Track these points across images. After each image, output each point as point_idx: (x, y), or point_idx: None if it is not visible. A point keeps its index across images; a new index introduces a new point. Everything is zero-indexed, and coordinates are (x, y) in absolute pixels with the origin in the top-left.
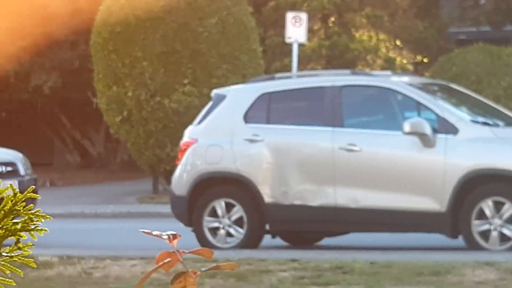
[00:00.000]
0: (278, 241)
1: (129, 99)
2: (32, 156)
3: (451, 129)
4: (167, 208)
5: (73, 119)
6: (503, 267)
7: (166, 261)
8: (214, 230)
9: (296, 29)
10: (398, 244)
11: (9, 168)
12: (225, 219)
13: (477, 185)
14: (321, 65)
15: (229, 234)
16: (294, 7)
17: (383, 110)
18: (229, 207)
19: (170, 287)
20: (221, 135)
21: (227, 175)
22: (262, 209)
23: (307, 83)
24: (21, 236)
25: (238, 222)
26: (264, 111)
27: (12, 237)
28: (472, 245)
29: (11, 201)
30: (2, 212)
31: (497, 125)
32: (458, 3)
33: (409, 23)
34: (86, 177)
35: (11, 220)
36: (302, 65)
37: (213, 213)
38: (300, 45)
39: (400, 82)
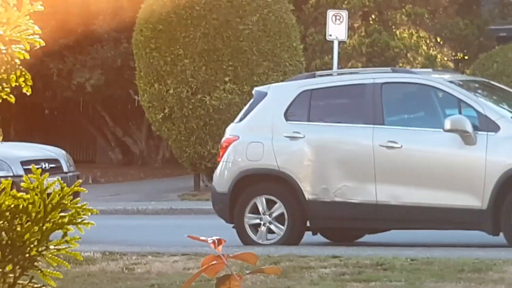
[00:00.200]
0: (319, 237)
1: (171, 97)
2: (75, 153)
3: (492, 127)
4: (208, 205)
5: (115, 116)
6: None
7: (211, 264)
8: (255, 227)
9: (337, 26)
10: (439, 241)
11: (52, 165)
12: (266, 215)
13: None
14: (361, 62)
15: (270, 231)
16: (334, 5)
17: (424, 107)
18: (270, 203)
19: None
20: (262, 132)
21: (268, 172)
22: (303, 205)
23: (348, 80)
24: (68, 230)
25: (279, 219)
26: (304, 108)
27: (60, 230)
28: None
29: (58, 195)
30: (50, 205)
31: None
32: (499, 0)
33: (450, 21)
34: (128, 174)
35: (58, 213)
36: (342, 63)
37: (254, 210)
38: (341, 43)
39: (441, 79)
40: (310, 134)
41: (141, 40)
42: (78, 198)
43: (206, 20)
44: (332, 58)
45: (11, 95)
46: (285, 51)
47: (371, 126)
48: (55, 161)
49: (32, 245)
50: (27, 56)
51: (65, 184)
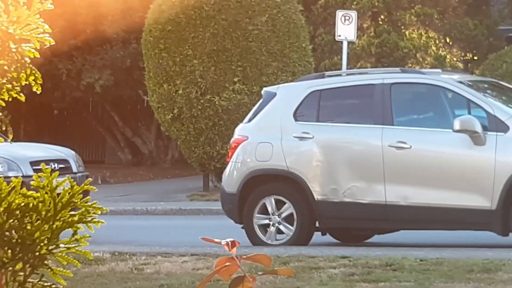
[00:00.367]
0: (328, 238)
1: (180, 97)
2: (84, 153)
3: (502, 127)
4: (217, 205)
5: (125, 117)
6: None
7: (224, 265)
8: (264, 227)
9: (346, 27)
10: (448, 241)
11: (61, 165)
12: (275, 216)
13: None
14: (370, 63)
15: (279, 231)
16: (343, 5)
17: (433, 107)
18: (279, 204)
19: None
20: (271, 132)
21: (277, 172)
22: (312, 206)
23: (357, 80)
24: (78, 228)
25: (288, 219)
26: (313, 108)
27: (70, 229)
28: None
29: (68, 193)
30: (60, 204)
31: None
32: (508, 1)
33: (459, 21)
34: (137, 175)
35: (68, 212)
36: (351, 63)
37: (264, 210)
38: (350, 43)
39: (450, 80)
40: (319, 134)
41: (150, 40)
42: (88, 197)
43: (215, 20)
44: (341, 59)
45: (21, 94)
46: (294, 52)
47: (380, 126)
48: (64, 161)
49: (42, 244)
50: (37, 55)
51: (75, 183)
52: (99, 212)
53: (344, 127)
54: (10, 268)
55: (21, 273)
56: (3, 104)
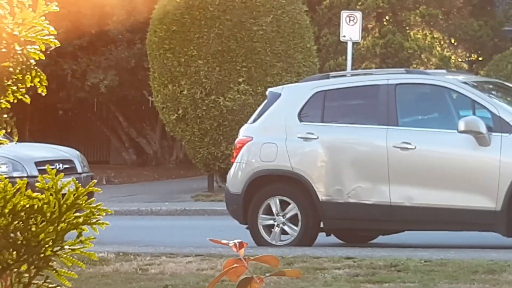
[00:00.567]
0: (333, 239)
1: (185, 98)
2: (89, 154)
3: (506, 128)
4: (222, 206)
5: (129, 117)
6: None
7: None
8: (268, 228)
9: (351, 27)
10: (453, 242)
11: (66, 166)
12: (280, 216)
13: None
14: (375, 63)
15: (283, 232)
16: (348, 6)
17: (438, 108)
18: (283, 204)
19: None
20: (276, 133)
21: (281, 172)
22: (317, 206)
23: (362, 81)
24: (83, 230)
25: (293, 220)
26: (318, 109)
27: (74, 230)
28: None
29: (73, 195)
30: (65, 206)
31: None
32: None
33: (464, 22)
34: (142, 175)
35: (73, 213)
36: (356, 64)
37: (268, 211)
38: (355, 44)
39: (455, 80)
40: (324, 135)
41: (155, 41)
42: (93, 199)
43: (220, 21)
44: (346, 59)
45: (26, 96)
46: (299, 52)
47: (385, 127)
48: (69, 161)
49: (47, 245)
50: (42, 57)
51: (80, 184)
52: (104, 214)
53: (348, 127)
54: (15, 270)
55: (26, 275)
56: (9, 106)
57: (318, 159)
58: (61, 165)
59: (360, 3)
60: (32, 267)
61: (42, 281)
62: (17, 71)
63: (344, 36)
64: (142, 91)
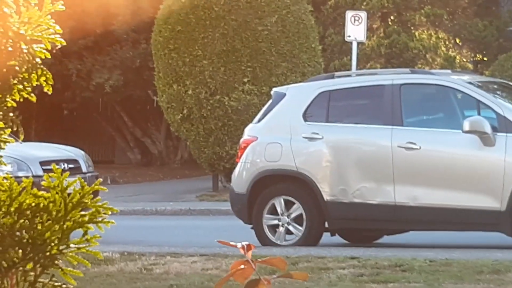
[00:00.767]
0: (337, 239)
1: (189, 98)
2: (94, 153)
3: (511, 128)
4: (226, 206)
5: (134, 117)
6: None
7: (239, 268)
8: (273, 228)
9: (356, 27)
10: (458, 242)
11: (71, 166)
12: (285, 216)
13: None
14: (380, 63)
15: (288, 232)
16: (353, 6)
17: (443, 108)
18: (288, 204)
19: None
20: (281, 133)
21: (286, 172)
22: (322, 206)
23: (367, 81)
24: (88, 228)
25: (298, 220)
26: (323, 109)
27: (80, 229)
28: None
29: (79, 193)
30: (70, 204)
31: None
32: None
33: (469, 22)
34: (147, 175)
35: (78, 212)
36: (361, 64)
37: (273, 211)
38: (360, 44)
39: (459, 81)
40: (328, 135)
41: (160, 40)
42: (98, 197)
43: (225, 21)
44: (350, 59)
45: (32, 95)
46: (304, 52)
47: (390, 127)
48: (74, 161)
49: (52, 244)
50: (48, 56)
51: (85, 183)
52: (110, 213)
53: (353, 127)
54: (21, 268)
55: (32, 273)
56: (15, 105)
57: (322, 159)
58: (66, 164)
59: (365, 3)
60: (38, 265)
61: (47, 280)
62: (23, 69)
63: (349, 36)
64: (147, 91)
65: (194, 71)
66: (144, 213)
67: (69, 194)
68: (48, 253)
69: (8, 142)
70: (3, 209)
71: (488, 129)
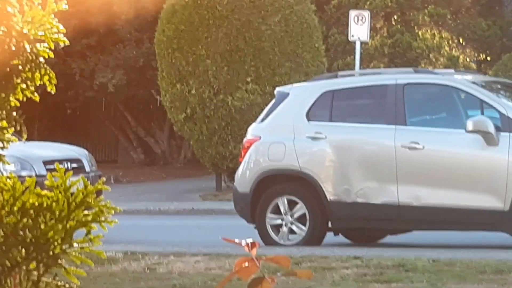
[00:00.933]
0: (341, 238)
1: (193, 97)
2: (97, 153)
3: None
4: (230, 205)
5: (137, 116)
6: None
7: (244, 266)
8: (276, 227)
9: (359, 27)
10: (461, 242)
11: (74, 165)
12: (288, 216)
13: None
14: (383, 63)
15: (291, 231)
16: (357, 5)
17: (446, 108)
18: (291, 204)
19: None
20: (284, 132)
21: (289, 172)
22: (325, 206)
23: (370, 81)
24: (91, 228)
25: (301, 219)
26: (326, 109)
27: (83, 228)
28: None
29: (82, 193)
30: (73, 203)
31: None
32: None
33: (472, 21)
34: (150, 174)
35: (82, 211)
36: (364, 63)
37: (276, 210)
38: (363, 43)
39: (463, 80)
40: (332, 134)
41: (163, 40)
42: (102, 197)
43: (228, 20)
44: (354, 59)
45: (35, 94)
46: (307, 52)
47: (393, 126)
48: (78, 161)
49: (56, 243)
50: (52, 55)
51: (88, 182)
52: (113, 212)
53: (357, 127)
54: (24, 267)
55: (35, 273)
56: (18, 104)
57: (326, 159)
58: (69, 164)
59: (368, 3)
60: (41, 264)
61: (50, 279)
62: (27, 69)
63: (352, 36)
64: (150, 90)
65: (197, 70)
66: (147, 212)
67: (72, 194)
68: (51, 253)
69: (11, 141)
70: (6, 209)
71: (491, 128)
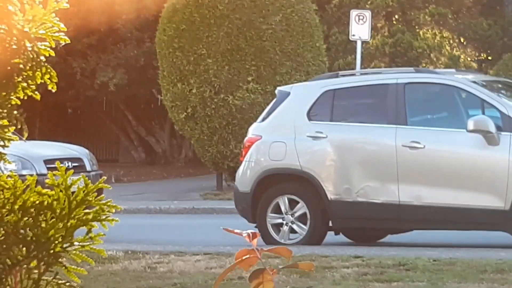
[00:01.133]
0: (341, 237)
1: (194, 96)
2: (98, 152)
3: None
4: (230, 204)
5: (138, 116)
6: None
7: (244, 257)
8: (277, 226)
9: (360, 26)
10: (462, 241)
11: (75, 164)
12: (289, 215)
13: None
14: (384, 62)
15: (292, 231)
16: (358, 5)
17: (447, 107)
18: (292, 203)
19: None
20: (285, 132)
21: (290, 171)
22: (326, 205)
23: (371, 80)
24: (92, 226)
25: (302, 219)
26: (327, 108)
27: (84, 227)
28: None
29: (83, 191)
30: (74, 202)
31: None
32: None
33: (473, 21)
34: (151, 174)
35: (82, 210)
36: (365, 63)
37: (277, 209)
38: (364, 43)
39: (464, 80)
40: (332, 134)
41: (164, 39)
42: (102, 195)
43: (229, 19)
44: (355, 58)
45: (36, 93)
46: (308, 51)
47: (394, 126)
48: (78, 160)
49: (56, 242)
50: (53, 54)
51: (89, 181)
52: (114, 211)
53: (357, 126)
54: (25, 266)
55: (36, 271)
56: (19, 103)
57: (327, 158)
58: (70, 163)
59: (369, 2)
60: (42, 263)
61: (51, 278)
62: (28, 67)
63: (353, 35)
64: (151, 89)
65: (198, 69)
66: (148, 211)
67: (73, 193)
68: (52, 251)
69: (12, 140)
70: (7, 207)
71: (492, 128)
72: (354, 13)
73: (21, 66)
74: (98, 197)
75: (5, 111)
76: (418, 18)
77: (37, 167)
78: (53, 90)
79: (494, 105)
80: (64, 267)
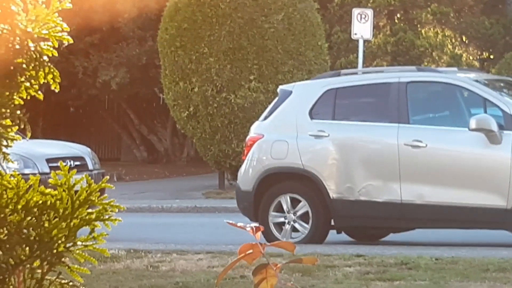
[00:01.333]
0: (343, 236)
1: (196, 95)
2: (100, 151)
3: None
4: (232, 203)
5: (140, 114)
6: None
7: (248, 252)
8: (279, 225)
9: (362, 25)
10: (464, 240)
11: (77, 163)
12: (291, 214)
13: None
14: (386, 61)
15: (294, 229)
16: (360, 4)
17: (449, 106)
18: (294, 202)
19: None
20: (287, 130)
21: (292, 170)
22: (328, 204)
23: (373, 79)
24: (95, 226)
25: (304, 217)
26: (329, 107)
27: (87, 226)
28: None
29: (86, 191)
30: (77, 202)
31: None
32: None
33: (475, 20)
34: (153, 172)
35: (85, 210)
36: (367, 62)
37: (279, 208)
38: (366, 42)
39: (466, 79)
40: (335, 132)
41: (166, 38)
42: (105, 195)
43: (231, 18)
44: (357, 57)
45: (39, 92)
46: (310, 50)
47: (396, 125)
48: (81, 158)
49: (59, 241)
50: (55, 54)
51: (92, 181)
52: (116, 210)
53: (360, 125)
54: (28, 266)
55: (39, 271)
56: (22, 102)
57: (329, 157)
58: (72, 162)
59: (371, 1)
60: (45, 263)
61: (54, 277)
62: (31, 67)
63: (355, 34)
64: (153, 88)
65: (200, 68)
66: (150, 210)
67: (76, 192)
68: (55, 251)
69: (15, 139)
70: (10, 207)
71: (494, 127)
72: (356, 11)
73: (24, 66)
74: (101, 197)
75: (8, 111)
76: (420, 17)
77: (39, 166)
78: (56, 90)
79: (496, 104)
80: (67, 267)
